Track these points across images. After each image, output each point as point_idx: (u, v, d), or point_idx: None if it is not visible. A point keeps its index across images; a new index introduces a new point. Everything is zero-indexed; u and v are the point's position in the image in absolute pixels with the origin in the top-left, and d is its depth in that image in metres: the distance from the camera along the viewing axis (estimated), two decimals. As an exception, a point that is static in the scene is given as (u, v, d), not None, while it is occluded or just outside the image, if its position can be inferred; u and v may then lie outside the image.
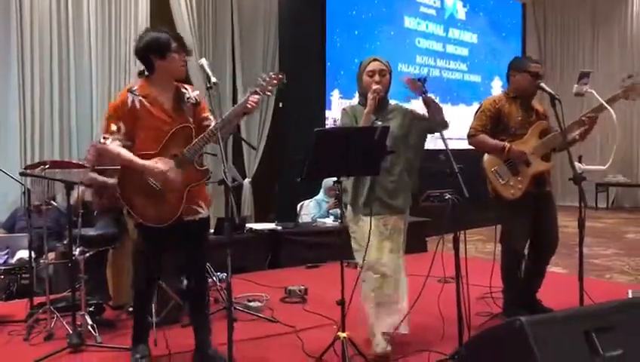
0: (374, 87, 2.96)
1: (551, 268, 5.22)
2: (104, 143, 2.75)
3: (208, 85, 2.54)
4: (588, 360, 2.14)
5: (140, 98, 2.75)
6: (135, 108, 2.74)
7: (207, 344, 2.90)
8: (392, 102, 3.15)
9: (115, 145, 2.73)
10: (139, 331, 2.96)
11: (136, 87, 2.78)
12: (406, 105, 3.24)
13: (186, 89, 2.87)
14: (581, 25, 10.84)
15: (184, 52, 2.77)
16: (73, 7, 5.42)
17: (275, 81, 2.76)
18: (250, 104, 2.69)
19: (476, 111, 3.60)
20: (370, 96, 2.94)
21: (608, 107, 3.15)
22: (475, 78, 8.95)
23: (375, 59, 3.09)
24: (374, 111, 2.96)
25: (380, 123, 2.79)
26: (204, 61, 2.63)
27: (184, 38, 2.87)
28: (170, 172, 2.71)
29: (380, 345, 2.95)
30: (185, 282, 3.86)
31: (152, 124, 2.74)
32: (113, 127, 2.74)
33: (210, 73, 2.56)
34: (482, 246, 6.53)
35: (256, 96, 2.70)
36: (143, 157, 2.72)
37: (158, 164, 2.71)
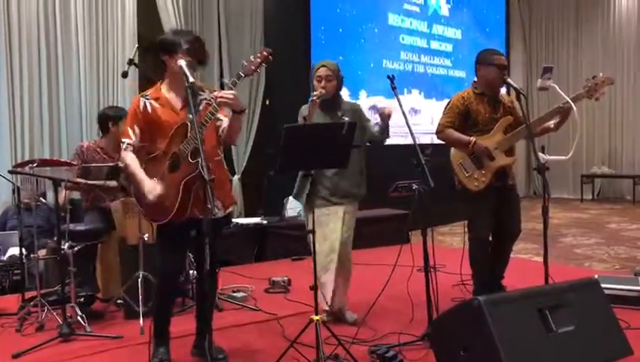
0: (315, 92, 3.33)
1: (532, 258, 5.41)
2: (124, 150, 2.86)
3: (187, 85, 2.60)
4: (542, 335, 2.30)
5: (151, 101, 2.82)
6: (147, 112, 2.82)
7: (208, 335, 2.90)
8: (346, 100, 3.46)
9: (132, 159, 2.83)
10: (158, 333, 2.92)
11: (149, 92, 2.86)
12: (358, 103, 3.61)
13: (203, 91, 2.86)
14: (565, 20, 10.97)
15: (192, 55, 2.74)
16: (60, 7, 5.48)
17: (258, 60, 2.69)
18: (220, 98, 2.64)
19: (445, 107, 3.74)
20: (313, 97, 3.30)
21: (571, 102, 3.29)
22: (460, 74, 9.09)
23: (323, 65, 3.44)
24: (314, 111, 3.30)
25: (347, 119, 2.94)
26: (182, 62, 2.67)
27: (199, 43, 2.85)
28: (159, 189, 2.75)
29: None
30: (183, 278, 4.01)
31: (164, 125, 2.79)
32: (130, 133, 2.85)
33: (188, 73, 2.62)
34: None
35: (226, 92, 2.67)
36: (151, 159, 2.81)
37: (156, 187, 2.75)
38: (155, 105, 2.82)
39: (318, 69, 3.44)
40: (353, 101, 3.66)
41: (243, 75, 2.69)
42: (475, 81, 3.70)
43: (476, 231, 3.64)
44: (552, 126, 3.55)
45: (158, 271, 2.99)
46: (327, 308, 3.41)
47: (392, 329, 3.24)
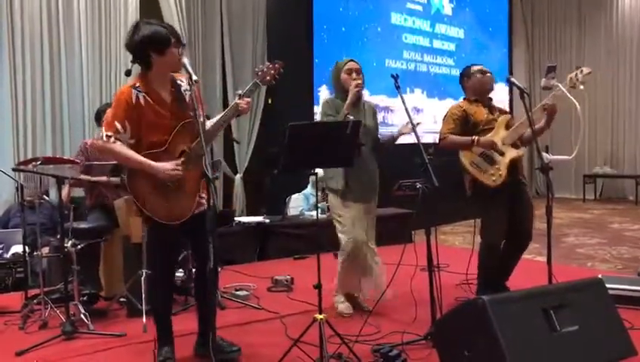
0: (357, 82, 3.40)
1: (535, 258, 5.40)
2: (107, 142, 2.66)
3: (190, 82, 2.60)
4: (546, 335, 2.29)
5: (144, 95, 2.68)
6: (140, 105, 2.67)
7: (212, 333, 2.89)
8: (365, 97, 3.63)
9: (120, 147, 2.66)
10: (161, 333, 2.88)
11: (138, 84, 2.71)
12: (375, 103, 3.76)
13: (181, 81, 2.80)
14: (568, 19, 10.95)
15: (180, 45, 2.71)
16: (63, 3, 5.48)
17: (272, 71, 2.78)
18: (241, 106, 2.72)
19: (443, 118, 3.76)
20: (353, 90, 3.36)
21: (572, 99, 3.29)
22: (462, 73, 9.06)
23: (352, 60, 3.56)
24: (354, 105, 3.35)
25: (351, 118, 2.95)
26: (185, 60, 2.67)
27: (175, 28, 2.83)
28: (179, 169, 2.68)
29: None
30: (181, 274, 4.03)
31: (157, 120, 2.69)
32: (118, 126, 2.65)
33: (191, 71, 2.60)
34: (471, 238, 6.67)
35: (247, 99, 2.74)
36: (150, 155, 2.67)
37: (167, 165, 2.66)
38: (148, 98, 2.70)
39: (347, 62, 3.54)
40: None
41: (260, 85, 2.80)
42: (466, 95, 3.80)
43: (488, 238, 3.62)
44: (543, 124, 3.52)
45: (153, 271, 2.99)
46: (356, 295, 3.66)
47: (395, 328, 3.24)
